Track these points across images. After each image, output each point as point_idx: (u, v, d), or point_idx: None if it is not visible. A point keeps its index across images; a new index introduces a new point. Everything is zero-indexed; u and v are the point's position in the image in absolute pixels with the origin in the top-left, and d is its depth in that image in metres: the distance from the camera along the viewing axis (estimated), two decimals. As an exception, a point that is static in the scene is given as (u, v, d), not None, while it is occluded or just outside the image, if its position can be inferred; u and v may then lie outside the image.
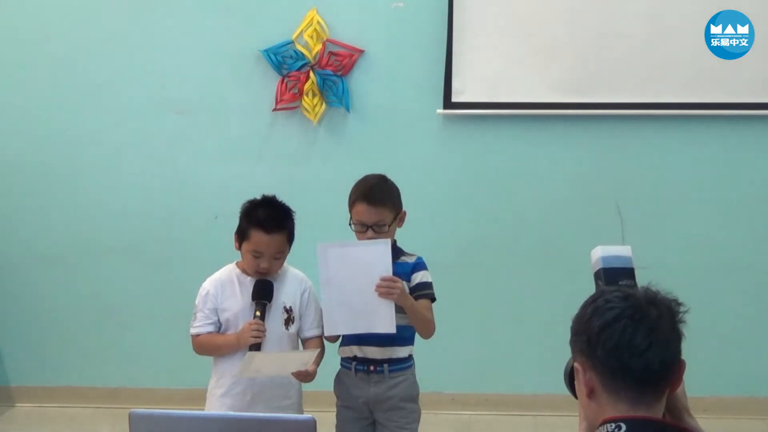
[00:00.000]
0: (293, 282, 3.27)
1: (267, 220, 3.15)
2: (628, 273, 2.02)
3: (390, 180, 3.29)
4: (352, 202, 3.20)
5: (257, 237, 3.14)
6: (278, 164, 4.89)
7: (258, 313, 3.14)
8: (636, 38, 4.68)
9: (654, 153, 4.80)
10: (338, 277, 3.11)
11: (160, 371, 5.03)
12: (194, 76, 4.92)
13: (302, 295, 3.27)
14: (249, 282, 3.21)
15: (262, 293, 3.17)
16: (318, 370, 3.16)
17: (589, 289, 2.00)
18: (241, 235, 3.20)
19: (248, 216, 3.20)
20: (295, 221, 3.25)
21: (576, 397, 1.86)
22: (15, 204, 5.05)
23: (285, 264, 3.26)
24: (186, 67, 4.92)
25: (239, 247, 3.22)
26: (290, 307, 3.24)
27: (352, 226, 3.20)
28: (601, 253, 2.06)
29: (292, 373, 3.12)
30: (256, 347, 3.09)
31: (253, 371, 3.06)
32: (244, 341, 3.11)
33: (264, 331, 3.11)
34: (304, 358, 3.11)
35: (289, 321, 3.23)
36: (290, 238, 3.22)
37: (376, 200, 3.16)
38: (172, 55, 4.92)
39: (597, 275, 2.05)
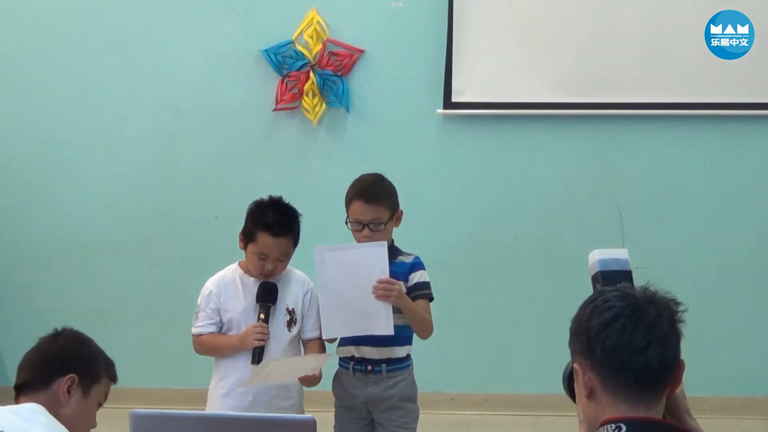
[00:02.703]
0: (296, 284, 3.27)
1: (275, 224, 3.14)
2: (626, 276, 2.02)
3: (387, 179, 3.29)
4: (348, 200, 3.21)
5: (264, 240, 3.14)
6: (278, 164, 4.89)
7: (262, 316, 3.14)
8: (636, 38, 4.68)
9: (654, 153, 4.80)
10: (336, 280, 3.12)
11: (160, 371, 5.03)
12: (194, 76, 4.92)
13: (304, 297, 3.27)
14: (252, 283, 3.21)
15: (267, 295, 3.17)
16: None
17: (589, 289, 2.00)
18: (247, 236, 3.19)
19: (255, 218, 3.19)
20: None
21: (575, 401, 1.85)
22: (14, 204, 5.05)
23: (288, 266, 3.26)
24: (186, 67, 4.92)
25: (244, 247, 3.22)
26: (293, 308, 3.24)
27: (349, 224, 3.20)
28: (598, 256, 2.06)
29: (299, 378, 3.13)
30: (260, 350, 3.10)
31: (263, 379, 3.05)
32: (248, 343, 3.12)
33: (268, 334, 3.11)
34: (314, 363, 3.12)
35: (291, 323, 3.23)
36: (296, 241, 3.22)
37: (373, 198, 3.16)
38: (171, 55, 4.92)
39: (594, 278, 2.05)
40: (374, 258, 3.09)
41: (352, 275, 3.10)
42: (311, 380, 3.13)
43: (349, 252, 3.14)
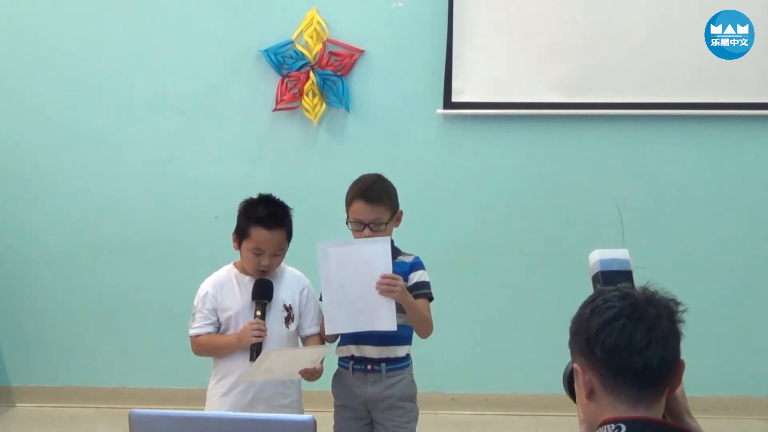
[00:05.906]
0: (292, 280, 3.28)
1: (267, 217, 3.16)
2: (626, 276, 2.02)
3: (387, 179, 3.30)
4: (349, 201, 3.22)
5: (258, 234, 3.15)
6: (278, 164, 4.90)
7: (258, 313, 3.15)
8: (636, 38, 4.67)
9: (654, 153, 4.80)
10: (339, 276, 3.11)
11: (160, 371, 5.03)
12: (194, 76, 4.92)
13: (301, 293, 3.28)
14: (248, 281, 3.22)
15: (262, 293, 3.18)
16: (318, 368, 3.17)
17: (589, 288, 2.00)
18: (241, 234, 3.20)
19: (247, 214, 3.20)
20: (295, 221, 3.26)
21: (575, 401, 1.85)
22: (15, 204, 5.05)
23: (282, 263, 3.27)
24: (186, 67, 4.92)
25: (238, 247, 3.23)
26: (290, 305, 3.24)
27: (349, 224, 3.21)
28: (598, 256, 2.06)
29: (300, 372, 3.12)
30: (257, 347, 3.10)
31: (264, 372, 3.05)
32: (245, 341, 3.12)
33: (265, 331, 3.12)
34: (315, 354, 3.12)
35: (288, 319, 3.24)
36: (289, 235, 3.23)
37: (373, 198, 3.17)
38: (172, 55, 4.92)
39: (595, 278, 2.05)
40: (378, 253, 3.09)
41: (355, 271, 3.10)
42: (312, 373, 3.12)
43: (352, 247, 3.14)
